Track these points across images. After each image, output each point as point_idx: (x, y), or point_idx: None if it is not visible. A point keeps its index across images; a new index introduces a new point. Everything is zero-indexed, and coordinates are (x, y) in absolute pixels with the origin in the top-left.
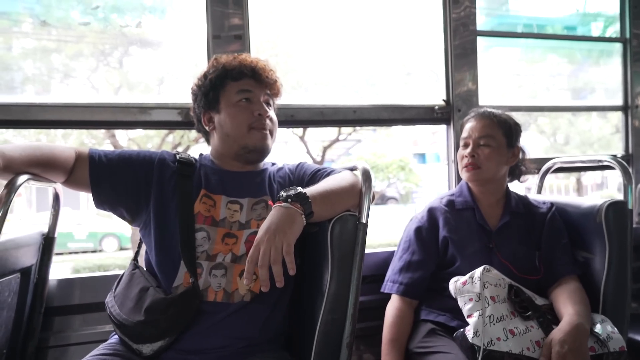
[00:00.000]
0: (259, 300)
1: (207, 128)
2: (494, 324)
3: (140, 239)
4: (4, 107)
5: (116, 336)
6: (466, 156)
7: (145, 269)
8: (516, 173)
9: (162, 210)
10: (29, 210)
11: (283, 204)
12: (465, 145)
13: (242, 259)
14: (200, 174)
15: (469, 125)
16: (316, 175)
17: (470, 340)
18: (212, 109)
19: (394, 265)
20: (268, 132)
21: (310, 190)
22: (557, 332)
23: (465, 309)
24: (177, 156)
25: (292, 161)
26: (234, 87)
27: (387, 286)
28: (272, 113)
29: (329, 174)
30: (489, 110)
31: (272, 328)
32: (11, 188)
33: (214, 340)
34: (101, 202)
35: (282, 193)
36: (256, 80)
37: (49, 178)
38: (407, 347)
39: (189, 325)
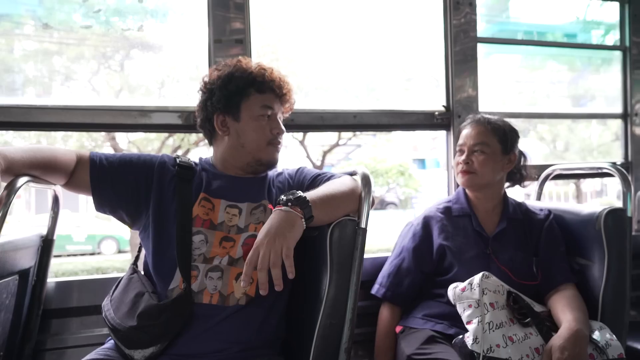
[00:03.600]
0: (254, 304)
1: (219, 131)
2: (493, 331)
3: (140, 243)
4: (5, 109)
5: (111, 340)
6: (460, 163)
7: (143, 273)
8: (517, 178)
9: (161, 214)
10: (28, 212)
11: (283, 207)
12: (461, 152)
13: (239, 261)
14: (202, 177)
15: (465, 132)
16: (316, 180)
17: (469, 347)
18: (230, 114)
19: (385, 268)
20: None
21: (310, 195)
22: (557, 339)
23: (465, 315)
24: (177, 160)
25: (291, 166)
26: (258, 100)
27: (375, 288)
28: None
29: (329, 179)
30: (484, 116)
31: (268, 332)
32: (11, 190)
33: (209, 344)
34: (102, 205)
35: (283, 197)
36: (278, 98)
37: (49, 180)
38: (406, 354)
39: (184, 330)
